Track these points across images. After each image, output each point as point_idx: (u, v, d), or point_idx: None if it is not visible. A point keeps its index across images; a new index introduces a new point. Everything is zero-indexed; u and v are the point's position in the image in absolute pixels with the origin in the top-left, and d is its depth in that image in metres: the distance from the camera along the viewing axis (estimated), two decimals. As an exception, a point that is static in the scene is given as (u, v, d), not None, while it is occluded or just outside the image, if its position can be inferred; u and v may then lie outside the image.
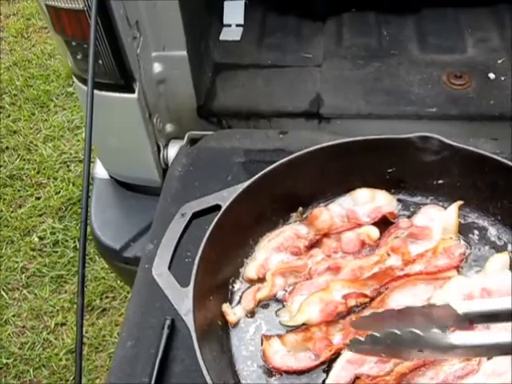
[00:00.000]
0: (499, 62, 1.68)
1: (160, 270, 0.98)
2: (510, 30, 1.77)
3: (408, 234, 1.10)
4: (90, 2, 1.29)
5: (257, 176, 1.08)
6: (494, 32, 1.78)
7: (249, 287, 1.06)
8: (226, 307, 1.01)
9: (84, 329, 2.49)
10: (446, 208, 1.15)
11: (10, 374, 2.39)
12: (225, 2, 1.87)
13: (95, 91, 1.46)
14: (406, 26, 1.82)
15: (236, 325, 1.01)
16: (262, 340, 0.99)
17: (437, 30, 1.78)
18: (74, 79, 1.54)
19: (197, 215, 1.07)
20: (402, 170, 1.17)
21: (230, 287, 1.06)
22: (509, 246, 1.11)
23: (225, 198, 1.05)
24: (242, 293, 1.05)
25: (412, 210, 1.17)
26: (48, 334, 2.49)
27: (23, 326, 2.52)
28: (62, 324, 2.52)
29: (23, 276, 2.65)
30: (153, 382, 1.15)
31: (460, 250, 1.08)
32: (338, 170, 1.16)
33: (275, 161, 1.14)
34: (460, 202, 1.13)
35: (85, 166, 1.18)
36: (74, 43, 1.42)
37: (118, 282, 2.59)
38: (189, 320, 0.89)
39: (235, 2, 1.87)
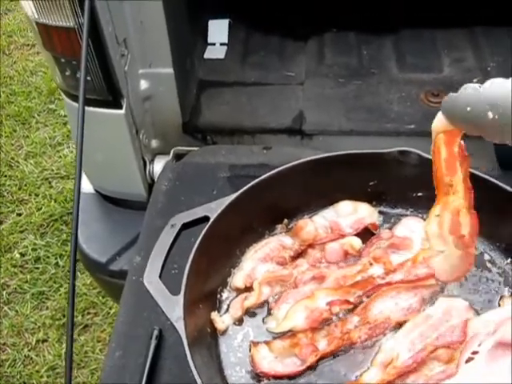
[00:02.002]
0: (474, 80, 1.74)
1: (151, 279, 1.00)
2: (485, 50, 1.84)
3: (389, 244, 1.15)
4: (80, 20, 1.32)
5: (244, 188, 1.12)
6: (469, 52, 1.85)
7: (236, 296, 1.09)
8: (214, 315, 1.04)
9: (65, 345, 2.47)
10: (425, 219, 1.19)
11: (-10, 391, 2.38)
12: (209, 21, 1.92)
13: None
14: (385, 46, 1.88)
15: (224, 332, 1.04)
16: (250, 346, 1.02)
17: (414, 50, 1.85)
18: (62, 95, 1.57)
19: (186, 226, 1.10)
20: (383, 183, 1.21)
21: (218, 296, 1.09)
22: (485, 256, 1.15)
23: (213, 209, 1.09)
24: (230, 301, 1.08)
25: (393, 221, 1.22)
26: (29, 350, 2.47)
27: (4, 343, 2.50)
28: (44, 341, 2.51)
29: (4, 292, 2.63)
30: (141, 393, 1.17)
31: (439, 259, 1.13)
32: (321, 183, 1.20)
33: (259, 175, 1.18)
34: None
35: (76, 179, 1.20)
36: (63, 60, 1.45)
37: (100, 297, 2.59)
38: (180, 327, 0.92)
39: (219, 21, 1.92)
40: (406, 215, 1.22)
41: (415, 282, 1.09)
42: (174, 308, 0.95)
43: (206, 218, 1.08)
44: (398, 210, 1.23)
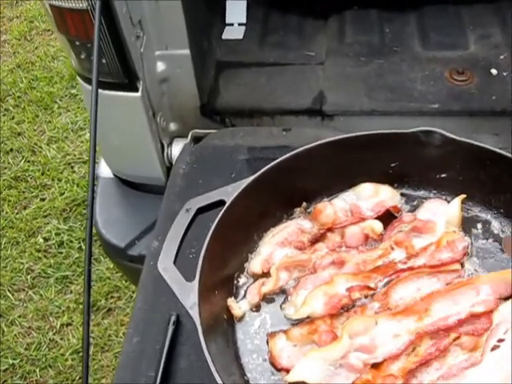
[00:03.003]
0: (501, 57, 1.69)
1: (165, 265, 0.99)
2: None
3: (411, 227, 1.11)
4: (93, 1, 1.30)
5: (261, 171, 1.09)
6: (495, 28, 1.79)
7: (253, 282, 1.06)
8: (231, 301, 1.02)
9: (90, 329, 2.50)
10: (449, 202, 1.15)
11: (16, 374, 2.40)
12: (227, 1, 1.88)
13: (99, 90, 1.48)
14: (408, 23, 1.82)
15: (241, 319, 1.02)
16: (267, 339, 0.99)
17: (439, 27, 1.79)
18: (78, 79, 1.55)
19: (201, 210, 1.07)
20: (405, 164, 1.17)
21: (235, 282, 1.06)
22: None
23: (229, 193, 1.06)
24: (247, 287, 1.06)
25: (415, 204, 1.18)
26: (54, 334, 2.50)
27: (29, 327, 2.53)
28: (68, 324, 2.53)
29: (28, 277, 2.65)
30: (159, 377, 1.16)
31: (463, 243, 1.09)
32: (341, 164, 1.16)
33: (279, 157, 1.15)
34: (463, 196, 1.14)
35: (90, 164, 1.18)
36: (77, 43, 1.43)
37: (124, 281, 2.60)
38: (194, 313, 0.90)
39: (237, 2, 1.88)
40: (429, 197, 1.18)
41: (439, 267, 1.05)
42: (188, 294, 0.93)
43: (221, 202, 1.06)
44: (421, 193, 1.19)
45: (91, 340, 2.47)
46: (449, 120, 1.57)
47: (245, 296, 1.05)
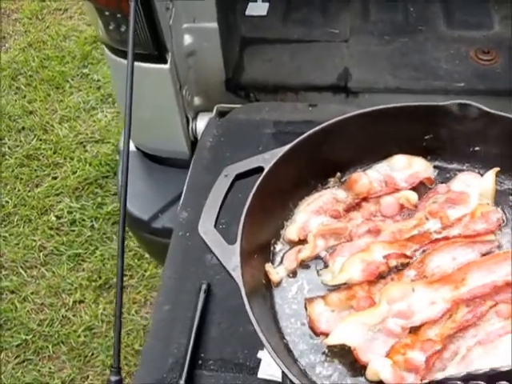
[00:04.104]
0: (525, 38, 1.69)
1: (206, 228, 0.99)
2: (536, 6, 1.78)
3: (446, 199, 1.12)
4: (127, -30, 1.30)
5: (297, 140, 1.10)
6: (519, 8, 1.79)
7: (290, 248, 1.07)
8: (268, 267, 1.03)
9: (101, 306, 2.51)
10: (482, 175, 1.16)
11: (29, 349, 2.42)
12: (251, -23, 1.88)
13: (126, 61, 1.48)
14: (433, 3, 1.82)
15: (279, 284, 1.03)
16: (305, 304, 1.00)
17: (463, 7, 1.79)
18: (105, 49, 1.55)
19: (239, 177, 1.08)
20: (439, 137, 1.18)
21: (272, 248, 1.07)
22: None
23: (267, 160, 1.06)
24: (284, 254, 1.07)
25: (448, 176, 1.18)
26: (66, 311, 2.51)
27: (42, 303, 2.54)
28: (80, 301, 2.54)
29: (41, 254, 2.67)
30: (191, 344, 1.17)
31: (497, 215, 1.10)
32: (374, 136, 1.16)
33: (305, 132, 1.15)
34: (497, 169, 1.14)
35: (125, 138, 1.19)
36: (106, 13, 1.43)
37: (136, 260, 2.61)
38: (237, 275, 0.90)
39: (262, -22, 1.88)
40: (462, 170, 1.18)
41: (473, 237, 1.06)
42: (230, 257, 0.94)
43: (259, 169, 1.06)
44: (454, 165, 1.19)
45: (103, 318, 2.48)
46: (474, 99, 1.56)
47: (281, 262, 1.05)
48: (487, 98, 1.57)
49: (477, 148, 1.17)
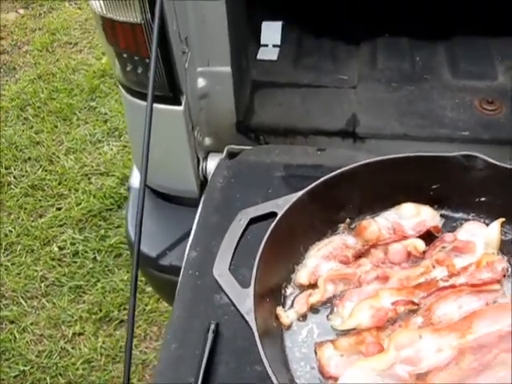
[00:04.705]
0: (528, 90, 1.74)
1: (221, 271, 1.02)
2: (539, 59, 1.83)
3: (452, 247, 1.15)
4: (147, 16, 1.34)
5: (310, 187, 1.13)
6: (523, 60, 1.84)
7: (300, 292, 1.10)
8: (279, 310, 1.05)
9: (101, 339, 2.51)
10: (487, 224, 1.20)
11: (26, 381, 2.42)
12: (263, 23, 1.93)
13: (141, 102, 1.52)
14: (438, 52, 1.87)
15: (289, 327, 1.05)
16: (315, 347, 1.02)
17: (468, 57, 1.84)
18: (121, 89, 1.59)
19: (253, 221, 1.11)
20: (446, 186, 1.22)
21: (283, 291, 1.10)
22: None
23: (280, 206, 1.10)
24: (294, 297, 1.09)
25: (454, 225, 1.22)
26: (65, 343, 2.51)
27: (41, 335, 2.54)
28: (80, 334, 2.54)
29: (42, 285, 2.67)
30: (199, 383, 1.18)
31: (502, 264, 1.13)
32: (384, 184, 1.20)
33: (315, 176, 1.19)
34: (502, 219, 1.18)
35: (141, 178, 1.22)
36: (125, 55, 1.47)
37: (138, 294, 2.61)
38: (251, 319, 0.93)
39: (273, 23, 1.94)
40: (468, 219, 1.22)
41: (479, 286, 1.09)
42: (243, 300, 0.96)
43: (272, 214, 1.10)
44: (460, 215, 1.23)
45: (102, 351, 2.48)
46: (478, 148, 1.60)
47: (292, 305, 1.08)
48: (491, 147, 1.61)
49: (482, 198, 1.21)
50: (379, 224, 1.17)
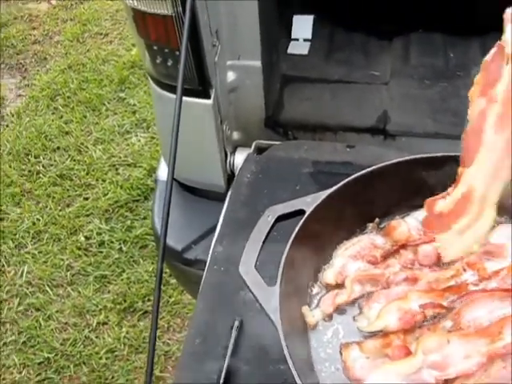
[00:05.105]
0: None
1: (247, 269, 1.01)
2: None
3: (483, 251, 1.12)
4: (178, 9, 1.34)
5: (339, 185, 1.11)
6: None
7: (326, 292, 1.08)
8: (305, 309, 1.04)
9: (125, 329, 2.53)
10: (520, 228, 1.16)
11: (50, 368, 2.44)
12: (294, 17, 1.91)
13: (170, 95, 1.52)
14: (472, 49, 1.84)
15: (314, 327, 1.04)
16: (340, 349, 1.01)
17: (502, 56, 1.80)
18: (150, 82, 1.59)
19: (281, 218, 1.10)
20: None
21: (309, 290, 1.08)
22: None
23: (308, 203, 1.08)
24: (320, 297, 1.08)
25: (487, 228, 1.19)
26: (90, 332, 2.53)
27: (66, 323, 2.57)
28: (104, 323, 2.56)
29: (68, 273, 2.70)
30: (221, 379, 1.17)
31: (535, 269, 1.10)
32: (415, 184, 1.18)
33: (343, 173, 1.17)
34: (536, 223, 1.15)
35: (169, 171, 1.21)
36: (155, 47, 1.47)
37: (162, 285, 2.62)
38: (276, 318, 0.91)
39: (304, 17, 1.92)
40: (501, 222, 1.19)
41: (511, 291, 1.06)
42: (269, 299, 0.95)
43: (300, 212, 1.08)
44: (493, 217, 1.20)
45: (125, 341, 2.50)
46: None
47: (318, 305, 1.06)
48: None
49: (515, 201, 1.17)
50: (409, 224, 1.15)
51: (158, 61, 1.49)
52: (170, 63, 1.47)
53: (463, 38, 1.88)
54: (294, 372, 0.86)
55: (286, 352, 0.88)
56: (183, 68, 1.22)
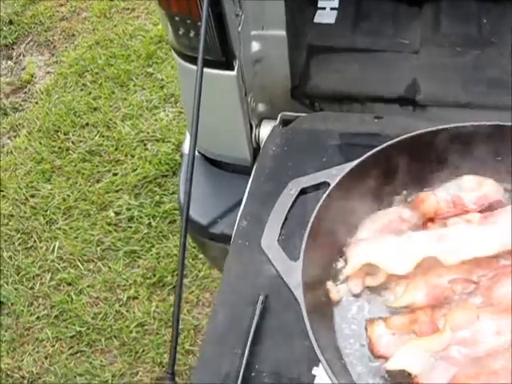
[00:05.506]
0: None
1: (269, 243, 0.98)
2: None
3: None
4: (200, -22, 1.30)
5: (364, 156, 1.08)
6: None
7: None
8: (329, 285, 1.01)
9: (154, 304, 2.54)
10: (555, 199, 1.12)
11: (82, 341, 2.47)
12: (320, -15, 1.86)
13: (193, 67, 1.48)
14: (507, 15, 1.76)
15: (338, 303, 1.01)
16: (365, 325, 0.98)
17: (539, 19, 1.72)
18: (173, 54, 1.56)
19: (304, 191, 1.07)
20: (510, 159, 1.14)
21: (334, 265, 1.05)
22: None
23: (333, 175, 1.05)
24: (344, 271, 1.05)
25: (518, 200, 1.14)
26: (120, 306, 2.55)
27: (97, 297, 2.59)
28: (134, 298, 2.58)
29: (98, 249, 2.72)
30: (246, 354, 1.17)
31: None
32: (444, 155, 1.14)
33: (371, 144, 1.13)
34: None
35: (191, 145, 1.19)
36: (177, 18, 1.44)
37: (190, 260, 2.63)
38: (298, 294, 0.89)
39: (331, -15, 1.86)
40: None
41: (545, 265, 1.02)
42: (292, 274, 0.93)
43: (325, 184, 1.05)
44: (525, 190, 1.15)
45: (155, 315, 2.51)
46: (549, 117, 1.51)
47: (343, 281, 1.04)
48: (562, 117, 1.50)
49: (552, 172, 1.13)
50: (438, 197, 1.11)
51: (180, 32, 1.46)
52: (192, 34, 1.44)
53: (497, 3, 1.80)
54: (317, 348, 0.84)
55: (308, 328, 0.86)
56: (204, 38, 1.19)
